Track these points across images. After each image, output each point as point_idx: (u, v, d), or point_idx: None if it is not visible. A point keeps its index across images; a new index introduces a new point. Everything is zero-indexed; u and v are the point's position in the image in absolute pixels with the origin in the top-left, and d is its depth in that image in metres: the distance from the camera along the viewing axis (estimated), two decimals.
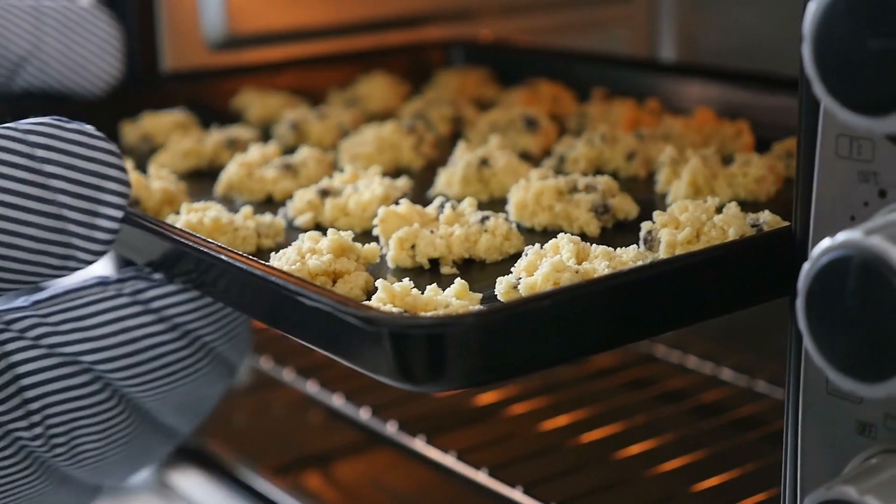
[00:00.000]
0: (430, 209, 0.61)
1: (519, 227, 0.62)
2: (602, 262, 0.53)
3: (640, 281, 0.48)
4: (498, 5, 1.09)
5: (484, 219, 0.59)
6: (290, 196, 0.68)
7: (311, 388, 0.87)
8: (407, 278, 0.52)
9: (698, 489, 0.75)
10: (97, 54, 0.76)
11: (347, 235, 0.56)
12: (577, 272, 0.52)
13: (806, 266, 0.44)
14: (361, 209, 0.64)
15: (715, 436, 0.82)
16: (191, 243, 0.54)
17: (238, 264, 0.51)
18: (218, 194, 0.71)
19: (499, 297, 0.53)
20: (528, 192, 0.63)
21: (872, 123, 0.41)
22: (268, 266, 0.51)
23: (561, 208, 0.63)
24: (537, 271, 0.52)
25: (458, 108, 0.86)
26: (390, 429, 0.81)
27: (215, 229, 0.61)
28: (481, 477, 0.74)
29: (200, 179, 0.75)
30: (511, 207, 0.64)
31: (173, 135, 0.81)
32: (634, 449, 0.79)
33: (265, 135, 0.83)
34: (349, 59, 0.97)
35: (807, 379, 0.49)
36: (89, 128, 0.57)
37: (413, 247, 0.57)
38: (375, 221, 0.60)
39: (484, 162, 0.69)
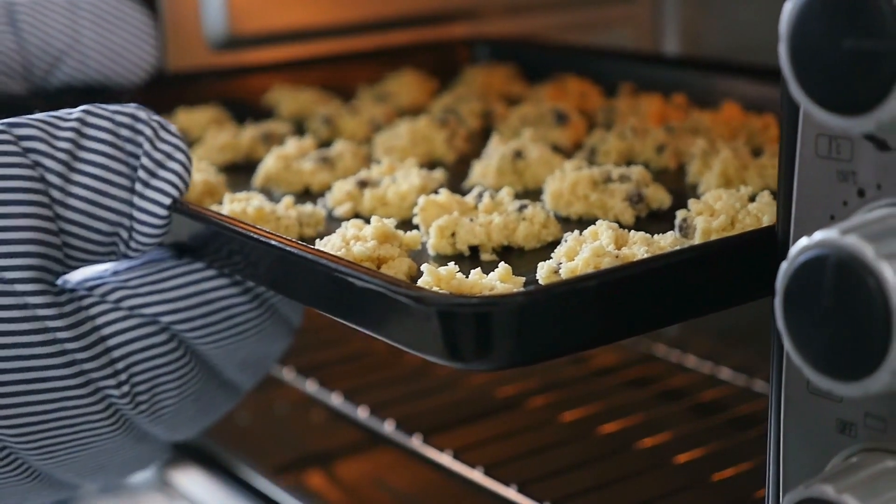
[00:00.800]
0: (469, 198, 0.63)
1: (554, 216, 0.64)
2: (641, 247, 0.55)
3: (681, 263, 0.50)
4: (502, 5, 1.09)
5: (521, 207, 0.61)
6: (326, 188, 0.70)
7: (311, 387, 0.87)
8: (452, 262, 0.54)
9: (694, 487, 0.76)
10: (135, 43, 0.78)
11: (390, 223, 0.58)
12: (616, 257, 0.53)
13: (784, 265, 0.44)
14: (400, 199, 0.66)
15: (713, 434, 0.82)
16: (241, 229, 0.56)
17: (291, 249, 0.53)
18: (256, 186, 0.73)
19: (540, 282, 0.54)
20: (563, 182, 0.65)
21: (848, 123, 0.41)
22: (319, 250, 0.53)
23: (596, 198, 0.64)
24: (578, 256, 0.53)
25: (487, 103, 0.88)
26: (388, 428, 0.81)
27: (259, 218, 0.63)
28: (477, 475, 0.75)
29: (237, 172, 0.77)
30: (547, 197, 0.66)
31: (209, 129, 0.83)
32: (630, 448, 0.80)
33: (298, 129, 0.85)
34: (376, 56, 0.99)
35: (788, 378, 0.49)
36: (160, 117, 0.61)
37: (453, 234, 0.59)
38: (416, 210, 0.62)
39: (518, 154, 0.71)
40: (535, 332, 0.47)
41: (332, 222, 0.65)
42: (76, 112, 0.60)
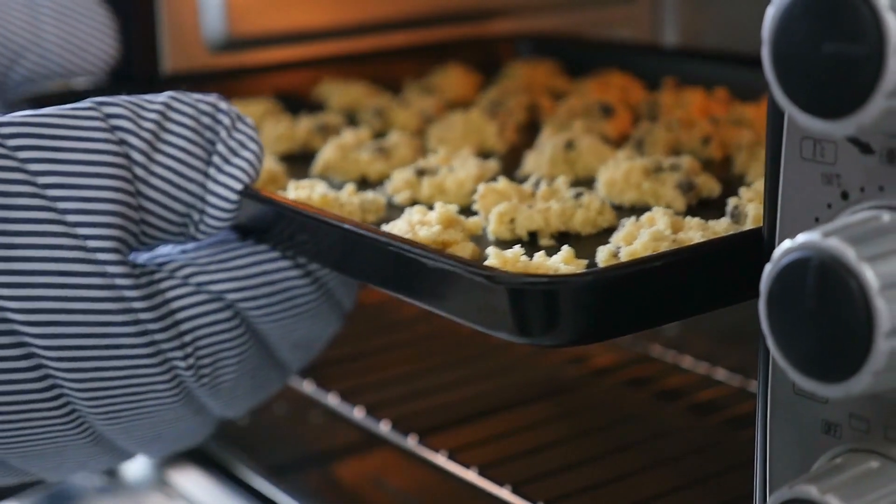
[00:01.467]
0: (526, 186, 0.66)
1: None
2: (696, 232, 0.57)
3: (737, 248, 0.52)
4: (506, 6, 1.10)
5: (578, 195, 0.63)
6: (382, 176, 0.73)
7: (308, 387, 0.88)
8: (518, 245, 0.56)
9: (690, 486, 0.76)
10: (95, 35, 0.80)
11: (453, 208, 0.61)
12: (673, 241, 0.55)
13: (767, 267, 0.44)
14: (458, 187, 0.69)
15: (709, 434, 0.82)
16: (318, 214, 0.60)
17: (366, 232, 0.56)
18: (315, 174, 0.76)
19: (599, 265, 0.56)
20: (616, 171, 0.67)
21: (829, 127, 0.42)
22: (392, 233, 0.57)
23: (648, 186, 0.66)
24: (636, 240, 0.56)
25: (533, 96, 0.90)
26: (384, 428, 0.82)
27: (324, 204, 0.65)
28: (471, 476, 0.75)
29: (293, 162, 0.79)
30: (600, 185, 0.68)
31: (265, 121, 0.85)
32: (625, 448, 0.80)
33: (350, 121, 0.88)
34: (418, 52, 1.02)
35: (775, 379, 0.49)
36: (236, 108, 0.66)
37: (512, 220, 0.61)
38: (475, 197, 0.65)
39: (570, 144, 0.74)
40: (602, 310, 0.50)
41: (392, 209, 0.68)
42: (162, 97, 0.64)
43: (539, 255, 0.55)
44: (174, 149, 0.62)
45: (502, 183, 0.65)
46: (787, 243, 0.44)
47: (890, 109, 0.40)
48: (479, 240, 0.61)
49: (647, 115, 0.86)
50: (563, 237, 0.61)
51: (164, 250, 0.64)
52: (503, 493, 0.73)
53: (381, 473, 0.85)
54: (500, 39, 1.07)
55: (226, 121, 0.64)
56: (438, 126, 0.82)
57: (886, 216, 0.44)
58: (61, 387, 0.60)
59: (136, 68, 0.92)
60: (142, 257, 0.63)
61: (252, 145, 0.64)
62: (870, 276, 0.41)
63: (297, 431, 0.86)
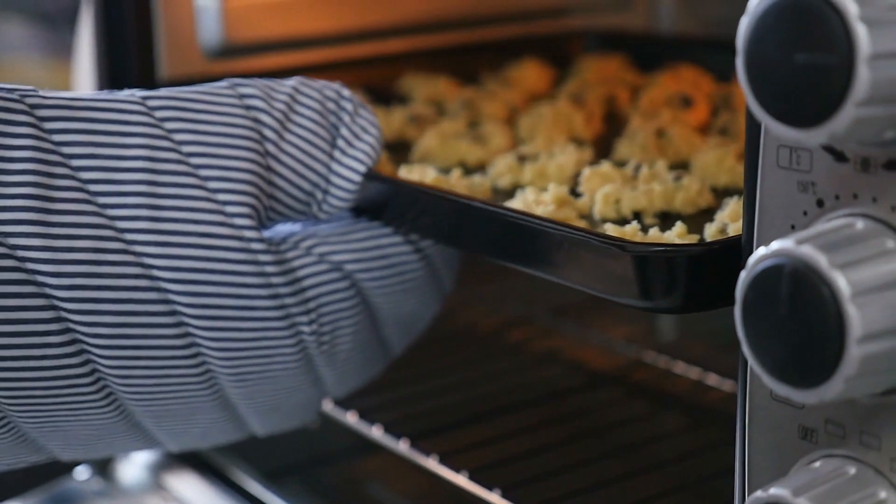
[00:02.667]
0: (627, 170, 0.70)
1: None
2: None
3: None
4: (509, 12, 1.10)
5: (677, 178, 0.67)
6: (480, 163, 0.77)
7: None
8: (635, 222, 0.61)
9: (682, 489, 0.76)
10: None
11: (565, 189, 0.66)
12: None
13: (742, 274, 0.45)
14: (559, 171, 0.72)
15: (701, 437, 0.82)
16: (444, 193, 0.66)
17: (495, 209, 0.62)
18: (415, 160, 0.79)
19: (708, 240, 0.60)
20: (708, 155, 0.71)
21: (802, 135, 0.42)
22: (517, 209, 0.62)
23: (741, 170, 0.68)
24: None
25: (610, 88, 0.93)
26: (376, 433, 0.82)
27: (437, 185, 0.69)
28: (461, 480, 0.76)
29: (389, 150, 0.80)
30: (695, 169, 0.72)
31: None
32: (616, 452, 0.80)
33: (437, 112, 0.90)
34: (496, 47, 1.06)
35: (753, 384, 0.50)
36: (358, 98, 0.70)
37: (617, 201, 0.65)
38: (581, 179, 0.69)
39: (660, 132, 0.77)
40: (719, 278, 0.53)
41: (495, 193, 0.72)
42: (290, 81, 0.69)
43: (653, 230, 0.60)
44: (302, 129, 0.67)
45: (606, 166, 0.69)
46: (761, 250, 0.44)
47: (860, 118, 0.41)
48: (586, 220, 0.66)
49: (723, 106, 0.88)
50: (664, 217, 0.65)
51: (285, 228, 0.68)
52: (493, 497, 0.74)
53: (373, 477, 0.86)
54: (572, 34, 1.10)
55: (349, 107, 0.69)
56: (528, 116, 0.86)
57: (860, 223, 0.44)
58: (199, 345, 0.64)
59: (133, 74, 0.92)
60: (265, 234, 0.66)
61: (374, 130, 0.69)
62: (841, 282, 0.42)
63: (291, 436, 0.86)
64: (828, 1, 0.41)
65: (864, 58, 0.40)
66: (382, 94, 0.94)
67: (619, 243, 0.55)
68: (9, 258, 0.59)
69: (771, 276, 0.44)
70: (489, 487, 0.74)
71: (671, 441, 0.85)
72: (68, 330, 0.61)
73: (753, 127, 0.48)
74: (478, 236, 0.64)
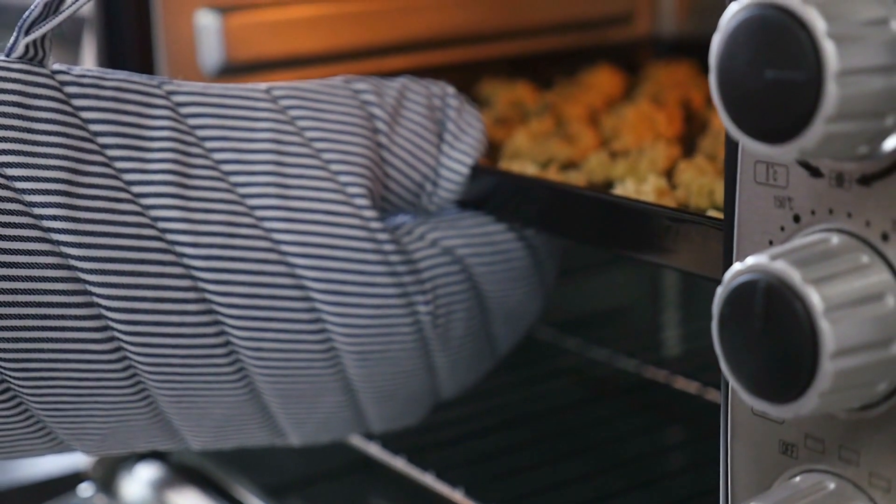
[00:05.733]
0: (718, 163, 0.71)
1: None
2: None
3: None
4: (510, 28, 1.11)
5: None
6: (569, 160, 0.79)
7: None
8: None
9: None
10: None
11: (664, 181, 0.68)
12: None
13: (719, 289, 0.45)
14: (651, 165, 0.74)
15: (699, 454, 0.82)
16: (555, 184, 0.70)
17: (608, 197, 0.66)
18: (506, 158, 0.81)
19: None
20: None
21: (773, 151, 0.42)
22: (629, 197, 0.65)
23: None
24: None
25: (686, 91, 0.94)
26: (374, 449, 0.82)
27: None
28: (458, 496, 0.76)
29: None
30: None
31: None
32: (617, 466, 0.80)
33: (519, 115, 0.93)
34: (567, 56, 1.09)
35: (734, 400, 0.50)
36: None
37: (711, 192, 0.67)
38: (677, 172, 0.71)
39: None
40: None
41: (591, 187, 0.74)
42: (398, 79, 0.72)
43: None
44: (411, 122, 0.70)
45: (699, 159, 0.72)
46: (736, 266, 0.44)
47: (830, 134, 0.41)
48: None
49: None
50: None
51: (397, 219, 0.71)
52: None
53: (372, 493, 0.86)
54: (640, 41, 1.14)
55: (454, 103, 0.72)
56: (611, 116, 0.88)
57: (835, 239, 0.44)
58: (324, 321, 0.66)
59: None
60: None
61: (478, 124, 0.72)
62: (815, 298, 0.42)
63: (291, 452, 0.86)
64: (797, 18, 0.41)
65: (832, 74, 0.40)
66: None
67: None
68: (150, 227, 0.62)
69: (746, 291, 0.44)
70: (486, 502, 0.74)
71: (672, 455, 0.85)
72: (205, 300, 0.64)
73: (731, 143, 0.48)
74: (584, 223, 0.67)
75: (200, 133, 0.65)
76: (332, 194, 0.66)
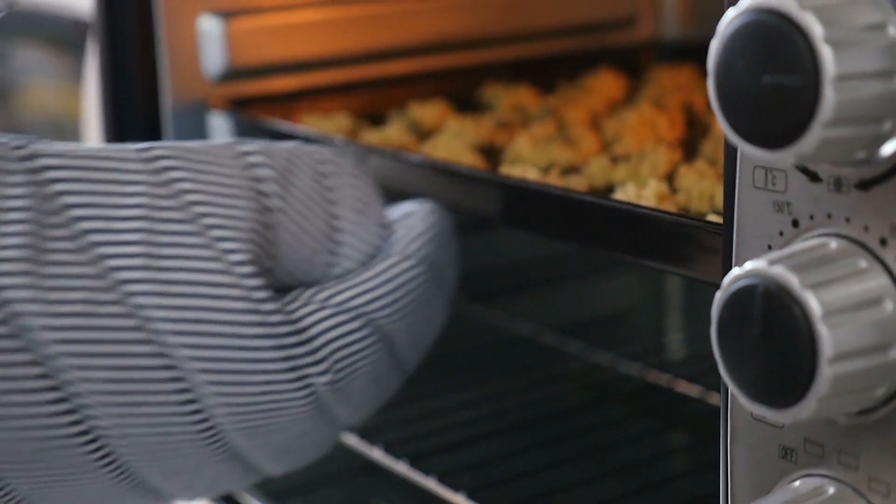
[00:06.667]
0: (719, 168, 0.71)
1: None
2: None
3: None
4: (513, 32, 1.11)
5: None
6: (570, 165, 0.79)
7: None
8: None
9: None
10: None
11: (664, 186, 0.68)
12: None
13: (718, 294, 0.45)
14: (652, 169, 0.74)
15: (703, 456, 0.82)
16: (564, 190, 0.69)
17: (615, 204, 0.65)
18: (507, 162, 0.81)
19: None
20: None
21: (771, 156, 0.42)
22: (635, 203, 0.65)
23: None
24: None
25: (688, 95, 0.95)
26: (376, 454, 0.82)
27: None
28: (460, 500, 0.76)
29: (481, 154, 0.83)
30: None
31: (449, 120, 0.91)
32: (620, 471, 0.80)
33: (521, 119, 0.93)
34: (569, 60, 1.09)
35: (734, 404, 0.50)
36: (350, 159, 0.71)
37: (712, 197, 0.67)
38: (677, 177, 0.71)
39: None
40: None
41: (591, 191, 0.74)
42: (288, 144, 0.68)
43: None
44: (300, 191, 0.66)
45: (700, 164, 0.72)
46: (735, 271, 0.44)
47: (828, 139, 0.41)
48: None
49: None
50: None
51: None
52: None
53: (374, 497, 0.86)
54: (642, 46, 1.14)
55: (346, 168, 0.68)
56: (612, 120, 0.88)
57: (833, 243, 0.45)
58: (200, 401, 0.61)
59: (138, 100, 0.93)
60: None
61: (371, 191, 0.69)
62: (813, 303, 0.42)
63: None
64: (794, 23, 0.41)
65: (829, 79, 0.40)
66: (467, 103, 0.97)
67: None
68: None
69: (744, 296, 0.44)
70: None
71: (674, 459, 0.85)
72: (58, 388, 0.59)
73: (730, 148, 0.48)
74: (584, 228, 0.67)
75: (65, 200, 0.60)
76: (210, 263, 0.61)
